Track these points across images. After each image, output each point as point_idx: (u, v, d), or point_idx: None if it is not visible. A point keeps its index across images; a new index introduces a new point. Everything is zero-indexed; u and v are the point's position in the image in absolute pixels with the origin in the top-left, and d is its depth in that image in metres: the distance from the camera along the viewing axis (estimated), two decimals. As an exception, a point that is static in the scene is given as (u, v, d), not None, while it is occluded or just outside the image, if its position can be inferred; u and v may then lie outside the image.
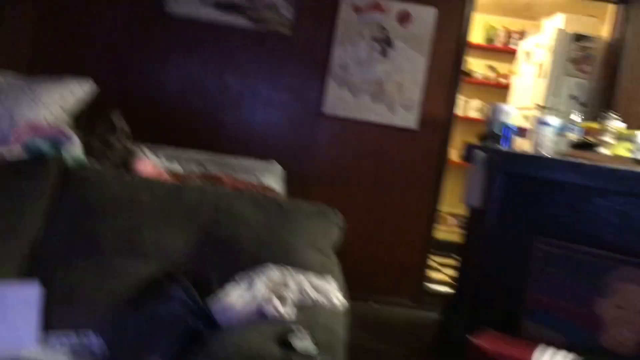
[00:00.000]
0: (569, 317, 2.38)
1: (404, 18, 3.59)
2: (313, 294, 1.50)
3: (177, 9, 3.51)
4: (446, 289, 3.95)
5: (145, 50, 3.59)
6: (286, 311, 1.40)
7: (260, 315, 1.42)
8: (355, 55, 3.60)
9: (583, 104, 4.00)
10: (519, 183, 2.59)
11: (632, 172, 2.34)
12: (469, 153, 2.89)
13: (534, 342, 2.30)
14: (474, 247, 2.97)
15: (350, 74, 3.61)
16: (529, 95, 4.59)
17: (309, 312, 1.44)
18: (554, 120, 2.74)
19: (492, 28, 5.73)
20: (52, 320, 1.62)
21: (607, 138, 2.62)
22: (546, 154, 2.62)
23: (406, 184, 3.74)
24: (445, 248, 4.62)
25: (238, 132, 3.67)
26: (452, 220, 5.31)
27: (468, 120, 5.36)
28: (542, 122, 2.73)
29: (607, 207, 2.40)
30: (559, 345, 2.27)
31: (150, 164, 2.10)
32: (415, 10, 3.57)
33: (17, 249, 1.69)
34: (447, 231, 5.07)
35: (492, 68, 5.81)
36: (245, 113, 3.67)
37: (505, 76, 5.62)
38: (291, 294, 1.46)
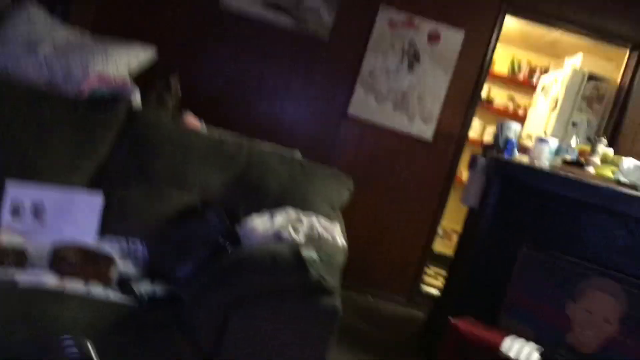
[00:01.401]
0: (541, 315, 2.65)
1: (433, 37, 3.95)
2: (321, 230, 1.84)
3: (230, 5, 3.92)
4: (438, 293, 4.24)
5: (201, 40, 3.98)
6: (298, 237, 1.75)
7: (277, 239, 1.76)
8: (384, 65, 3.96)
9: (588, 139, 4.29)
10: (512, 190, 2.88)
11: (613, 191, 2.65)
12: (473, 161, 3.24)
13: (507, 332, 2.58)
14: (466, 247, 3.27)
15: (377, 82, 3.97)
16: (541, 127, 4.91)
17: (316, 242, 1.78)
18: (553, 141, 3.05)
19: (517, 61, 6.07)
20: (107, 227, 1.99)
21: (595, 159, 2.93)
22: (540, 167, 2.94)
23: (414, 192, 4.05)
24: (443, 261, 4.90)
25: (269, 122, 4.03)
26: (453, 237, 5.60)
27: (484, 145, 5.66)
28: (542, 140, 3.04)
29: (589, 221, 2.70)
30: (529, 338, 2.56)
31: (197, 121, 2.47)
32: (444, 30, 3.93)
33: (87, 167, 2.07)
34: (448, 246, 5.35)
35: (512, 99, 6.14)
36: (277, 105, 4.04)
37: (524, 108, 5.94)
38: (303, 227, 1.81)
